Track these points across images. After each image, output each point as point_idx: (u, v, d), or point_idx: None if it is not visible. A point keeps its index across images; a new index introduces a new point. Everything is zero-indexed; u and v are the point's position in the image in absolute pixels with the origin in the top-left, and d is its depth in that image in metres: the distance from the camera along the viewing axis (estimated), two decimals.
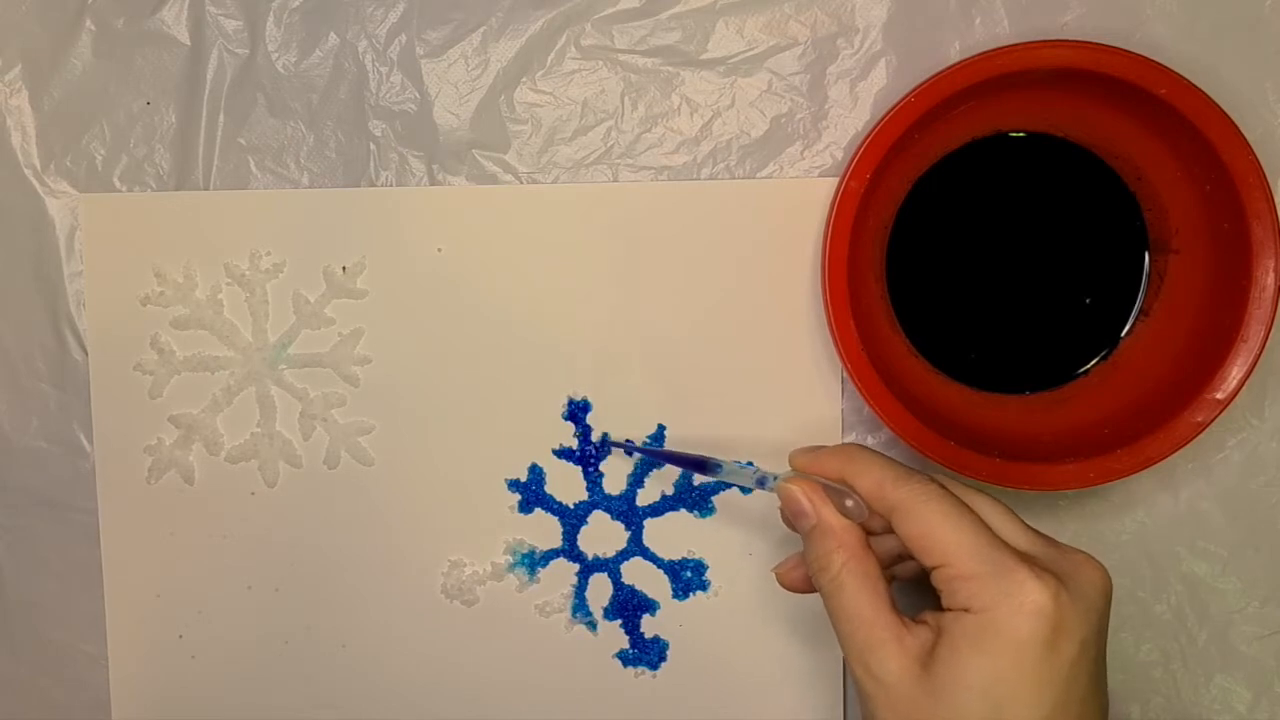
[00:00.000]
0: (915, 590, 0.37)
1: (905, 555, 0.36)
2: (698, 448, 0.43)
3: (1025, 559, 0.31)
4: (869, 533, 0.35)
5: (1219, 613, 0.44)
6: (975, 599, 0.31)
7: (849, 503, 0.34)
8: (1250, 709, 0.44)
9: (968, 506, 0.33)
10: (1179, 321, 0.41)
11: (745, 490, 0.43)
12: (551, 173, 0.43)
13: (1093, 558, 0.33)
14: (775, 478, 0.36)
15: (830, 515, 0.34)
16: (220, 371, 0.44)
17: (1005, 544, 0.32)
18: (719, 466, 0.39)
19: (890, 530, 0.34)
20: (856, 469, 0.34)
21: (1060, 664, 0.31)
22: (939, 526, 0.32)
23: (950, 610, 0.32)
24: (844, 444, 0.36)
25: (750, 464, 0.40)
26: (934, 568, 0.32)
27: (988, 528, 0.32)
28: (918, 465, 0.43)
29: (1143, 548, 0.44)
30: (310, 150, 0.43)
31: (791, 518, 0.35)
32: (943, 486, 0.33)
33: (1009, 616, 0.31)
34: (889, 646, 0.32)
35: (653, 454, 0.43)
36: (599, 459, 0.44)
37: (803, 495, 0.35)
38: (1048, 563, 0.32)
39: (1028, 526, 0.34)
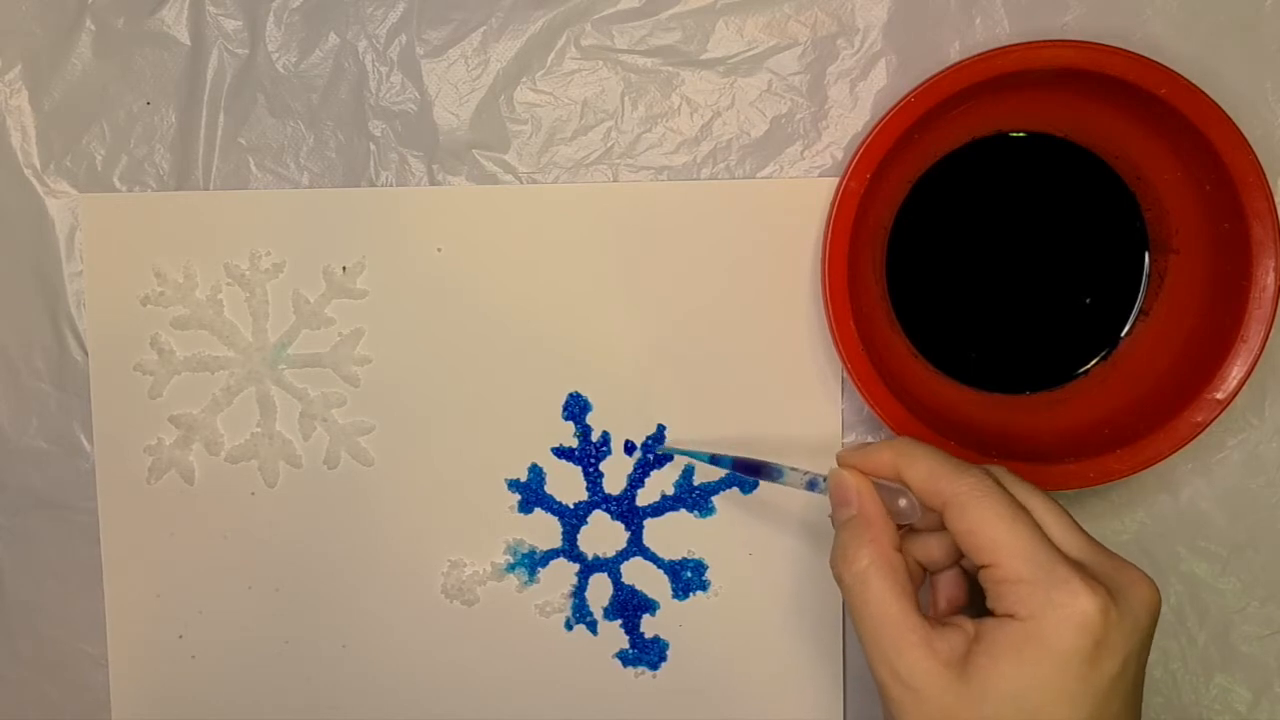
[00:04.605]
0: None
1: (942, 565, 0.35)
2: (696, 447, 0.43)
3: (1078, 568, 0.31)
4: (917, 531, 0.34)
5: (1219, 613, 0.44)
6: (1022, 605, 0.30)
7: (902, 502, 0.34)
8: (1250, 709, 0.44)
9: (1023, 507, 0.32)
10: (1179, 321, 0.41)
11: (746, 491, 0.44)
12: (551, 173, 0.43)
13: (1145, 574, 0.32)
14: (825, 479, 0.36)
15: (872, 508, 0.34)
16: (220, 371, 0.44)
17: (1058, 550, 0.31)
18: (779, 473, 0.38)
19: (938, 528, 0.33)
20: (909, 460, 0.33)
21: (1099, 680, 0.30)
22: (992, 525, 0.31)
23: (994, 615, 0.31)
24: (896, 437, 0.35)
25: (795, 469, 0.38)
26: (983, 566, 0.32)
27: (1042, 531, 0.32)
28: None
29: (1143, 548, 0.44)
30: (310, 150, 0.43)
31: (833, 505, 0.35)
32: (998, 483, 0.32)
33: (1054, 626, 0.30)
34: (918, 650, 0.31)
35: (708, 459, 0.42)
36: (599, 458, 0.44)
37: (852, 485, 0.34)
38: (1100, 574, 0.31)
39: (1083, 531, 0.33)
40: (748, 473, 0.39)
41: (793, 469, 0.38)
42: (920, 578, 0.35)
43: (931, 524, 0.34)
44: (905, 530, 0.35)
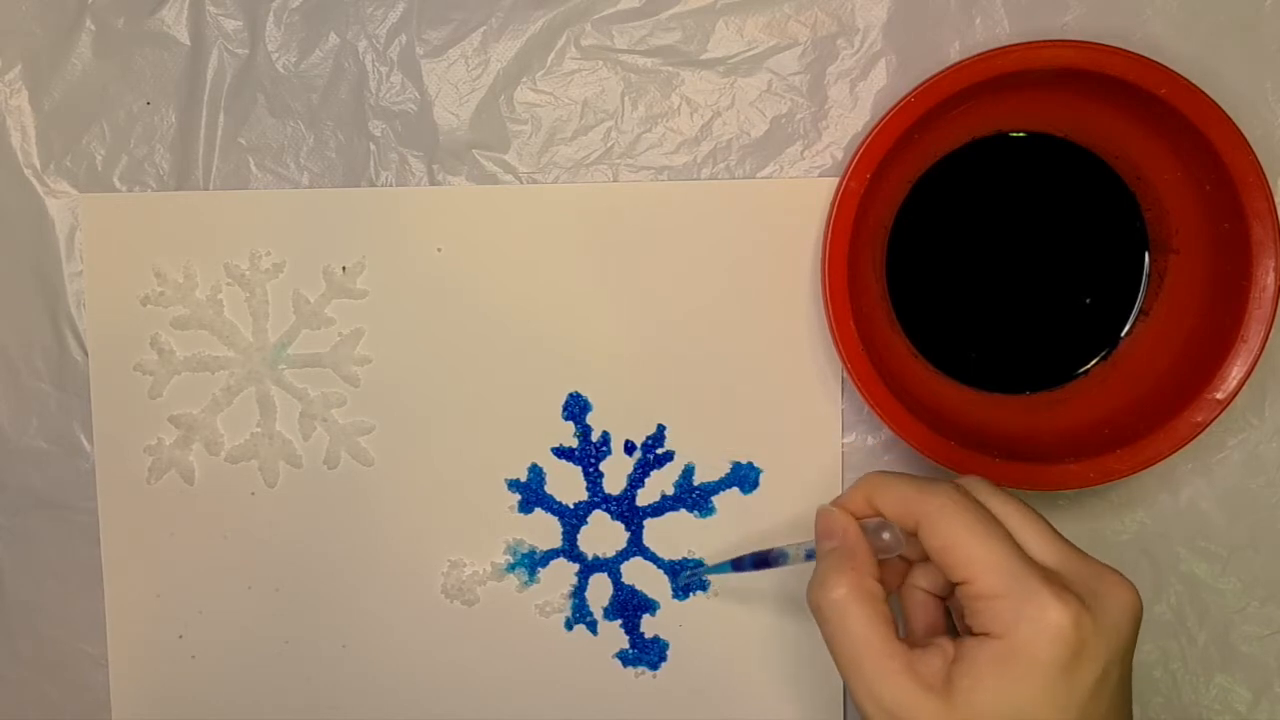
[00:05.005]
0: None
1: (946, 589, 0.35)
2: (696, 447, 0.43)
3: (1050, 578, 0.31)
4: (909, 561, 0.35)
5: (1219, 613, 0.44)
6: (997, 621, 0.30)
7: (885, 535, 0.34)
8: (1250, 709, 0.44)
9: (995, 518, 0.32)
10: (1179, 321, 0.41)
11: (746, 491, 0.44)
12: (551, 173, 0.43)
13: (1124, 578, 0.32)
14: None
15: (855, 539, 0.34)
16: (220, 371, 0.44)
17: (1032, 561, 0.31)
18: (784, 555, 0.37)
19: (926, 558, 0.33)
20: (880, 491, 0.34)
21: (1079, 688, 0.30)
22: (965, 540, 0.31)
23: (972, 634, 0.31)
24: (866, 475, 0.35)
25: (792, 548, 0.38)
26: (959, 583, 0.32)
27: (1015, 542, 0.31)
28: (918, 465, 0.43)
29: (1143, 548, 0.44)
30: (310, 150, 0.43)
31: (817, 539, 0.35)
32: (969, 496, 0.32)
33: (1028, 640, 0.30)
34: (902, 676, 0.31)
35: (730, 567, 0.40)
36: (599, 459, 0.44)
37: (838, 518, 0.34)
38: (1074, 581, 0.31)
39: (1059, 538, 0.33)
40: (761, 567, 0.38)
41: (790, 545, 0.37)
42: (935, 606, 0.35)
43: (923, 553, 0.34)
44: (910, 564, 0.36)
